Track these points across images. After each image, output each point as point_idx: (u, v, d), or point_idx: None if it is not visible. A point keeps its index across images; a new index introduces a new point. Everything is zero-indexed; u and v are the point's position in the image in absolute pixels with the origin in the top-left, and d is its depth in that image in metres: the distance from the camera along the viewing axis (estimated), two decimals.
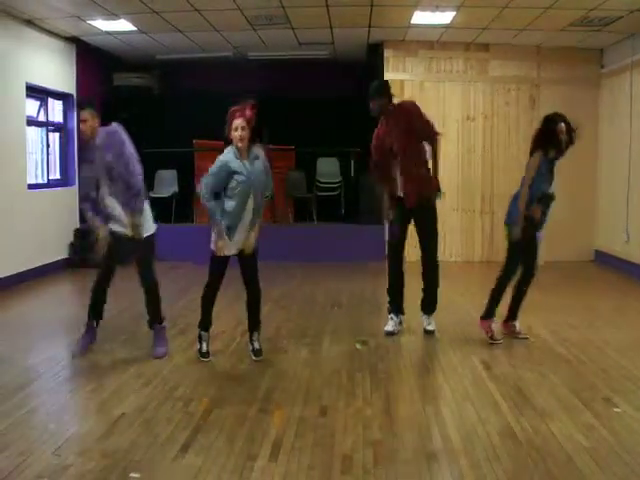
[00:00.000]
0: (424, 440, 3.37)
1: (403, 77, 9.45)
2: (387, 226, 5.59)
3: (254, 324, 4.86)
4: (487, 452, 3.20)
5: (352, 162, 9.91)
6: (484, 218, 9.44)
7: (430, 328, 5.40)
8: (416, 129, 5.13)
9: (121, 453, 3.19)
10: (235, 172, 4.36)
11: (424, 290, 5.40)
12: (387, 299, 5.49)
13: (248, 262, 4.66)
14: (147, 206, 4.80)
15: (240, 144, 4.35)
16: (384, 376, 4.42)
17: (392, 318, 5.42)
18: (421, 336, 5.42)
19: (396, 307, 5.44)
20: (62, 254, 8.70)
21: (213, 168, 4.43)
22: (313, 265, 8.92)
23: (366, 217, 9.52)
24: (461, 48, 9.38)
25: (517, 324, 5.26)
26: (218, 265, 4.62)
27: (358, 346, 5.12)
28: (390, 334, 5.33)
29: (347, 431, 3.48)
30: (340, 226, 9.89)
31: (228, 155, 4.40)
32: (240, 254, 4.64)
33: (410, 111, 5.19)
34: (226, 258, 4.62)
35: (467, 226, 9.42)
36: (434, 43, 9.34)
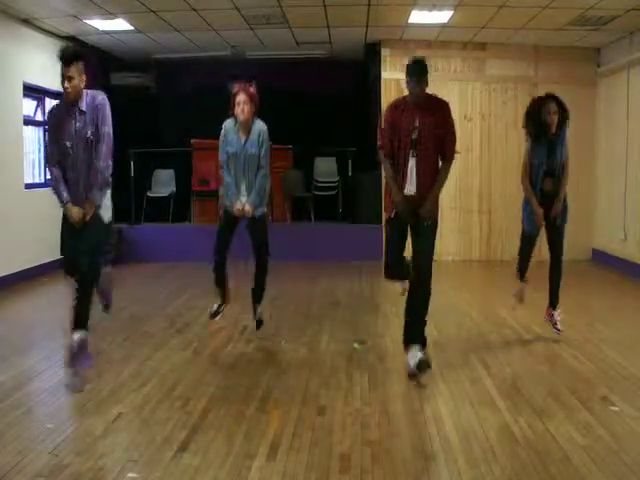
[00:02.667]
0: (422, 439, 3.37)
1: (400, 76, 9.33)
2: (386, 223, 4.70)
3: (256, 294, 5.07)
4: (485, 451, 3.20)
5: (350, 161, 9.91)
6: (482, 217, 9.45)
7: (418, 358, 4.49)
8: (443, 133, 4.43)
9: (119, 453, 3.18)
10: (228, 144, 4.68)
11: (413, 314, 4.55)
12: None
13: (254, 227, 4.89)
14: (109, 195, 4.40)
15: (242, 117, 4.60)
16: (382, 375, 4.42)
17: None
18: None
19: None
20: (59, 254, 8.65)
21: (220, 138, 4.79)
22: (311, 264, 8.92)
23: (364, 216, 9.53)
24: (458, 47, 9.38)
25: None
26: (224, 225, 4.91)
27: (356, 345, 5.12)
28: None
29: (345, 430, 3.48)
30: (338, 225, 9.89)
31: (228, 123, 4.75)
32: (247, 221, 4.87)
33: (448, 111, 4.55)
34: (231, 222, 4.87)
35: (464, 225, 9.42)
36: (431, 42, 9.34)
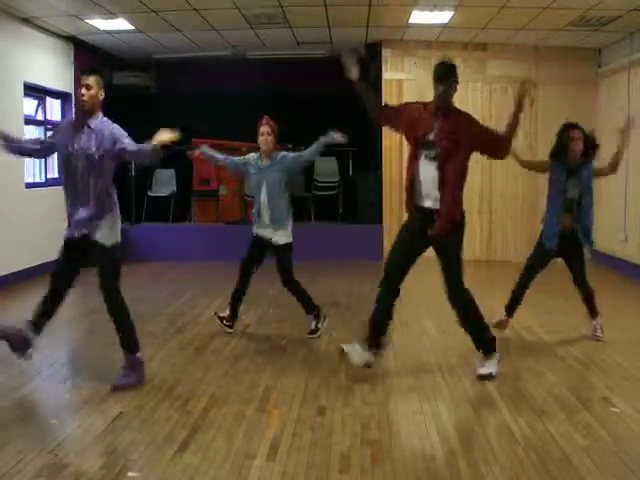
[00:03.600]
0: (422, 440, 3.37)
1: (401, 77, 9.46)
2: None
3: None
4: (485, 452, 3.21)
5: (350, 161, 9.91)
6: (482, 217, 9.46)
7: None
8: (478, 142, 4.18)
9: (119, 452, 3.19)
10: (250, 166, 5.23)
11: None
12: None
13: (278, 255, 5.26)
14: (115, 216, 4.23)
15: (264, 147, 5.13)
16: (382, 375, 4.42)
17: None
18: (419, 336, 5.42)
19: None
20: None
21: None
22: (311, 264, 8.88)
23: (364, 216, 9.54)
24: (459, 48, 9.38)
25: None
26: (251, 244, 5.29)
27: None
28: None
29: (345, 430, 3.48)
30: (338, 225, 9.89)
31: (252, 154, 5.32)
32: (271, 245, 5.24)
33: (474, 123, 4.23)
34: (258, 240, 5.24)
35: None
36: (432, 43, 9.34)
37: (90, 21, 8.05)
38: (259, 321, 5.91)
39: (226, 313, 5.38)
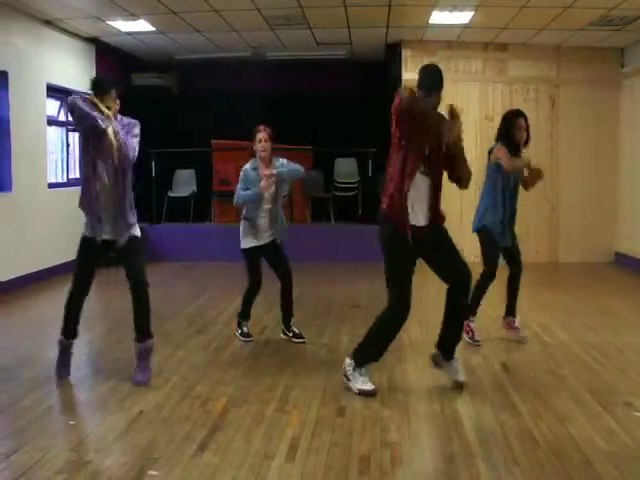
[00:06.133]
0: (442, 442, 3.36)
1: None
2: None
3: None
4: (505, 455, 3.18)
5: (370, 162, 9.88)
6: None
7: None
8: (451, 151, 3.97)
9: (139, 450, 3.21)
10: (249, 183, 5.02)
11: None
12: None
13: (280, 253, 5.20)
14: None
15: (263, 154, 5.01)
16: (401, 377, 4.41)
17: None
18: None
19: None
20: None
21: (240, 178, 5.12)
22: (331, 265, 8.91)
23: None
24: (479, 48, 9.33)
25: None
26: (252, 260, 5.15)
27: None
28: None
29: (364, 432, 3.47)
30: (357, 226, 9.86)
31: (247, 167, 5.11)
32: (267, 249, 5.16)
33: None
34: (257, 252, 5.13)
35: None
36: (452, 43, 9.30)
37: (111, 22, 8.13)
38: (279, 322, 5.90)
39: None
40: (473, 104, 9.27)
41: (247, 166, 5.11)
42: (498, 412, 3.74)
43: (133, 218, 4.25)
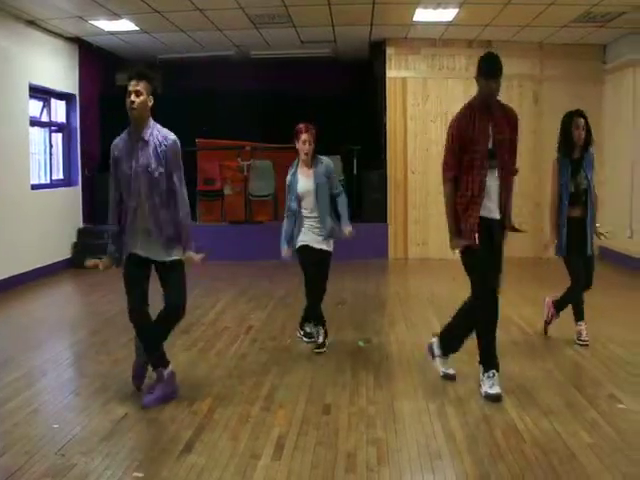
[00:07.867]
0: (428, 438, 3.37)
1: (406, 75, 9.44)
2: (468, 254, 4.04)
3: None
4: (491, 450, 3.20)
5: (355, 160, 9.89)
6: None
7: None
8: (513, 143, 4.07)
9: (125, 453, 3.19)
10: (292, 190, 5.03)
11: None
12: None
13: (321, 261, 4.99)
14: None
15: (305, 157, 5.00)
16: (387, 374, 4.42)
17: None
18: (424, 335, 5.40)
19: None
20: (65, 254, 8.73)
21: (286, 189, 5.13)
22: None
23: (369, 215, 9.53)
24: (464, 45, 9.36)
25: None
26: (302, 260, 4.97)
27: (361, 344, 5.11)
28: None
29: (351, 429, 3.48)
30: None
31: (288, 177, 5.10)
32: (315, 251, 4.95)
33: (517, 120, 4.16)
34: (307, 251, 4.91)
35: None
36: (436, 40, 9.33)
37: (94, 22, 8.08)
38: (264, 321, 5.91)
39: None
40: (458, 101, 9.24)
41: (288, 176, 5.07)
42: (483, 407, 3.76)
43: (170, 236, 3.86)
